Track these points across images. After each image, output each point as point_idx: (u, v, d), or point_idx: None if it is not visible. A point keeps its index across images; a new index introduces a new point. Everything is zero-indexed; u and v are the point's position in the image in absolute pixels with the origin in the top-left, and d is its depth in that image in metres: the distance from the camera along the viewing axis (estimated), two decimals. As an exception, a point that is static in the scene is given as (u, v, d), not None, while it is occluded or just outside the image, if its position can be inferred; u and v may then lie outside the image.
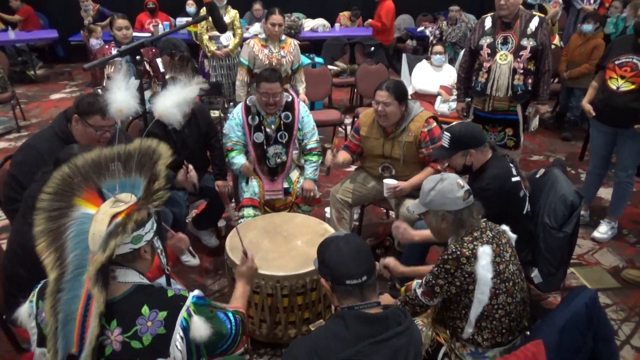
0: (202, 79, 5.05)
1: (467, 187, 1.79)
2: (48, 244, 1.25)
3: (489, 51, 3.32)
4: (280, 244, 2.44)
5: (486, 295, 1.66)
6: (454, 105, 4.30)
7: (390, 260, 2.22)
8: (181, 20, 6.87)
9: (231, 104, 4.65)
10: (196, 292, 1.35)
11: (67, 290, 1.24)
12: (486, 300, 1.67)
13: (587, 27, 4.94)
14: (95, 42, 6.38)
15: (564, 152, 5.04)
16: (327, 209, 3.59)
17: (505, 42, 3.29)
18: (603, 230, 3.45)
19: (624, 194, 3.36)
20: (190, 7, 7.00)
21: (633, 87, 3.04)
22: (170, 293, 1.31)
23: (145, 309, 1.25)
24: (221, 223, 3.47)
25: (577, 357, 1.54)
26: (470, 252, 1.67)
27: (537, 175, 2.48)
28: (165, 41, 5.74)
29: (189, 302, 1.30)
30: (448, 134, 2.27)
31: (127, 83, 1.61)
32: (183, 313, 1.27)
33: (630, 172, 3.27)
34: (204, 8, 5.11)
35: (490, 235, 1.75)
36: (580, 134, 5.40)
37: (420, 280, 2.10)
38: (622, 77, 3.08)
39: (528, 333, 1.81)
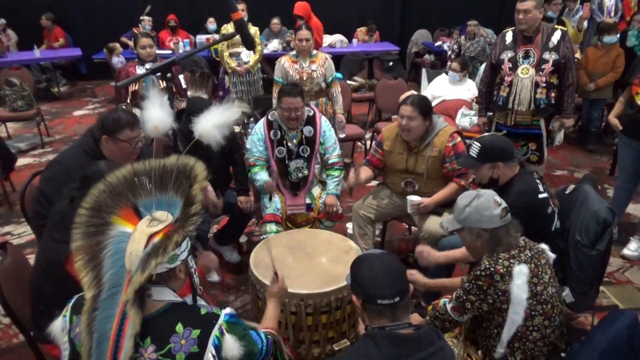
0: (223, 96, 5.10)
1: (504, 204, 1.74)
2: (86, 262, 1.26)
3: (510, 65, 3.30)
4: (304, 261, 2.42)
5: (520, 316, 1.61)
6: (475, 119, 4.26)
7: (413, 272, 2.18)
8: (201, 38, 6.97)
9: (251, 119, 4.68)
10: (228, 309, 1.35)
11: (102, 309, 1.24)
12: (520, 321, 1.62)
13: (612, 39, 4.91)
14: (116, 60, 6.51)
15: (588, 167, 4.94)
16: (349, 225, 3.56)
17: (526, 55, 3.27)
18: (633, 248, 3.35)
19: (654, 210, 3.27)
20: (211, 25, 7.11)
21: (660, 101, 2.98)
22: (203, 311, 1.31)
23: (179, 327, 1.24)
24: (243, 239, 3.46)
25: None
26: (505, 269, 1.63)
27: (567, 191, 2.42)
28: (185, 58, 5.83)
29: (221, 320, 1.30)
30: (478, 144, 2.23)
31: (161, 100, 1.63)
32: (215, 331, 1.26)
33: (661, 187, 3.19)
34: (224, 26, 5.20)
35: (529, 255, 1.70)
36: (604, 147, 5.32)
37: (448, 299, 2.06)
38: (649, 92, 3.03)
39: (563, 355, 1.75)
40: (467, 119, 4.50)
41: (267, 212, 3.00)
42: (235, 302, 2.92)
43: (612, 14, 6.86)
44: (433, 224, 2.78)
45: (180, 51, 6.95)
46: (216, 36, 6.52)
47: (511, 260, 1.65)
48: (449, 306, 1.76)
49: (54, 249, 1.75)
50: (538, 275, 1.68)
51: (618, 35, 5.06)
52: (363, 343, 1.31)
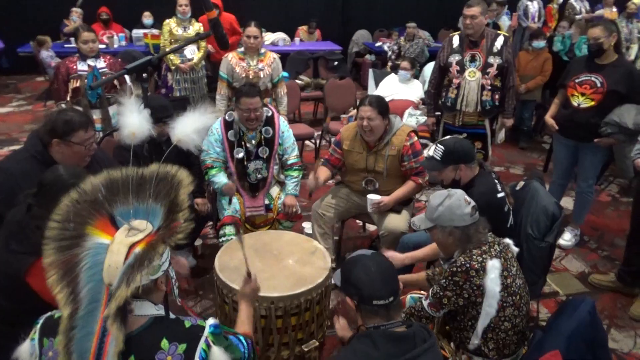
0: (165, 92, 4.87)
1: (473, 203, 1.83)
2: (60, 277, 1.17)
3: (458, 68, 3.46)
4: (272, 264, 2.40)
5: (494, 308, 1.71)
6: (422, 119, 4.42)
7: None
8: (138, 33, 6.66)
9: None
10: (211, 320, 1.32)
11: (80, 327, 1.16)
12: (494, 313, 1.72)
13: (540, 43, 5.29)
14: (46, 55, 6.06)
15: (521, 164, 5.29)
16: (305, 224, 3.57)
17: (473, 59, 3.44)
18: (567, 238, 3.64)
19: (585, 203, 3.57)
20: (147, 19, 6.80)
21: (593, 103, 3.23)
22: (187, 324, 1.27)
23: (164, 343, 1.19)
24: (197, 242, 3.37)
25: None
26: (479, 265, 1.71)
27: (517, 188, 2.58)
28: (125, 54, 5.55)
29: (206, 332, 1.26)
30: (442, 147, 2.31)
31: (139, 106, 1.55)
32: (202, 344, 1.23)
33: (591, 182, 3.48)
34: (167, 21, 4.99)
35: (498, 249, 1.80)
36: (535, 145, 5.72)
37: (415, 295, 2.13)
38: (583, 95, 3.28)
39: (526, 343, 1.87)
40: (413, 118, 4.66)
41: (226, 214, 2.94)
42: (195, 307, 2.84)
43: (536, 19, 7.38)
44: (392, 221, 2.86)
45: (115, 46, 6.61)
46: (154, 31, 6.24)
47: (484, 256, 1.74)
48: (425, 303, 1.82)
49: (12, 261, 1.62)
50: (508, 268, 1.78)
51: (545, 41, 5.45)
52: (360, 342, 1.34)
